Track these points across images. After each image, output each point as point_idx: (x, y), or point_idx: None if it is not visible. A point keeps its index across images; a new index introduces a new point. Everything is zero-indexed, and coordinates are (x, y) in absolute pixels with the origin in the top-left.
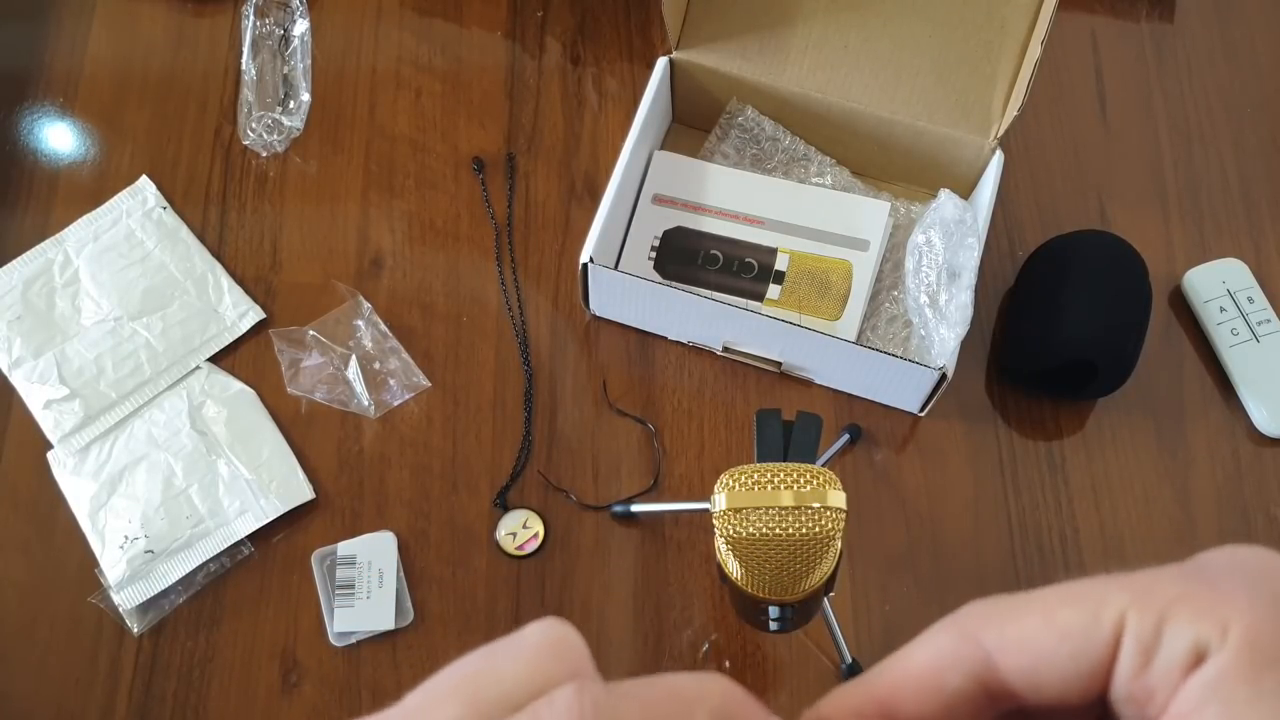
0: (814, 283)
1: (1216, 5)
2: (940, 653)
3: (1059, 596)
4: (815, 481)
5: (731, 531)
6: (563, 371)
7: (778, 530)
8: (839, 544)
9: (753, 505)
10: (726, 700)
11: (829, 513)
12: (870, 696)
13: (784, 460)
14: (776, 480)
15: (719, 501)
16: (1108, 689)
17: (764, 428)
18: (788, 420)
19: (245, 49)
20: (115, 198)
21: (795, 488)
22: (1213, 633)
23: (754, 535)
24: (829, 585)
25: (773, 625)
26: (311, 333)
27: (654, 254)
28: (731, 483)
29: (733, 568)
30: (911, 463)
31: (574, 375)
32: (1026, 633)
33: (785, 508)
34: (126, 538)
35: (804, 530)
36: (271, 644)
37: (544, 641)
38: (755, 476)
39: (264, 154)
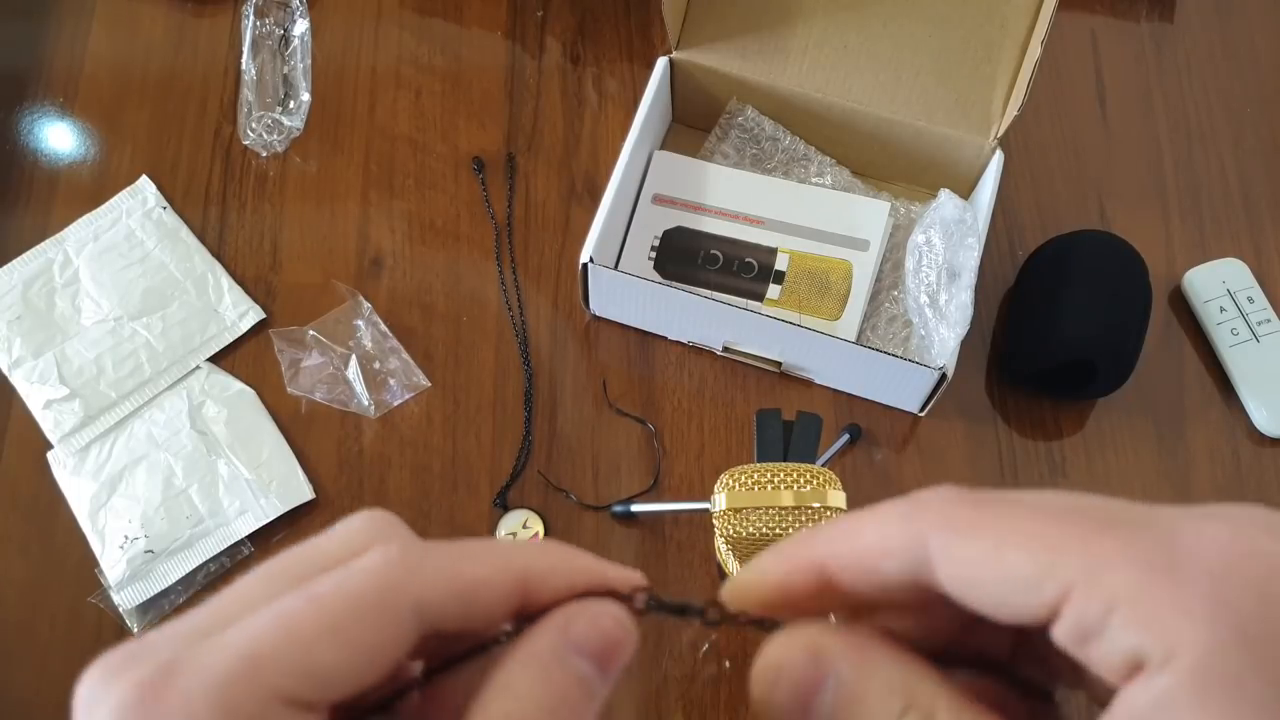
0: (814, 283)
1: (1216, 5)
2: (886, 538)
3: (1016, 528)
4: (815, 481)
5: (731, 531)
6: (563, 371)
7: (778, 530)
8: None
9: (753, 505)
10: (542, 555)
11: (829, 513)
12: (810, 558)
13: (784, 460)
14: (776, 480)
15: (719, 501)
16: (1036, 633)
17: (764, 428)
18: (788, 420)
19: (245, 49)
20: (115, 198)
21: (795, 488)
22: (1155, 649)
23: (754, 535)
24: None
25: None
26: (311, 333)
27: (654, 254)
28: (731, 483)
29: (733, 568)
30: (911, 463)
31: (574, 375)
32: (971, 555)
33: (785, 508)
34: (126, 538)
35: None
36: None
37: (361, 521)
38: (755, 476)
39: (264, 154)
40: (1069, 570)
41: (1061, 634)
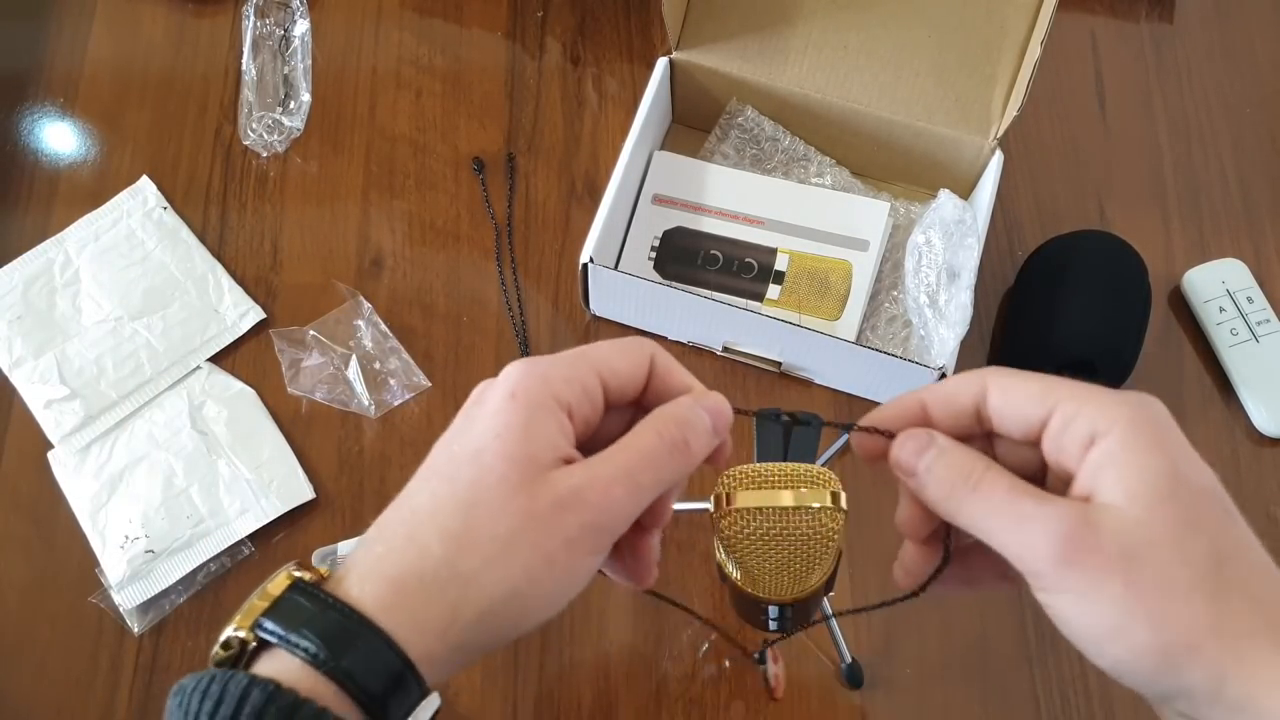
0: (814, 283)
1: (1216, 5)
2: (959, 383)
3: (1032, 379)
4: (815, 481)
5: (731, 531)
6: None
7: (777, 530)
8: (839, 543)
9: (753, 505)
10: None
11: (829, 512)
12: (914, 399)
13: (784, 460)
14: (776, 480)
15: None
16: (1040, 440)
17: (764, 428)
18: (788, 420)
19: (245, 49)
20: (116, 198)
21: (795, 487)
22: (1101, 426)
23: (754, 535)
24: (828, 585)
25: (772, 625)
26: (312, 333)
27: (654, 254)
28: (731, 482)
29: (732, 568)
30: None
31: None
32: (1010, 393)
33: (785, 508)
34: (127, 537)
35: (804, 530)
36: None
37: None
38: (755, 476)
39: (264, 154)
40: (1055, 397)
41: (1048, 434)
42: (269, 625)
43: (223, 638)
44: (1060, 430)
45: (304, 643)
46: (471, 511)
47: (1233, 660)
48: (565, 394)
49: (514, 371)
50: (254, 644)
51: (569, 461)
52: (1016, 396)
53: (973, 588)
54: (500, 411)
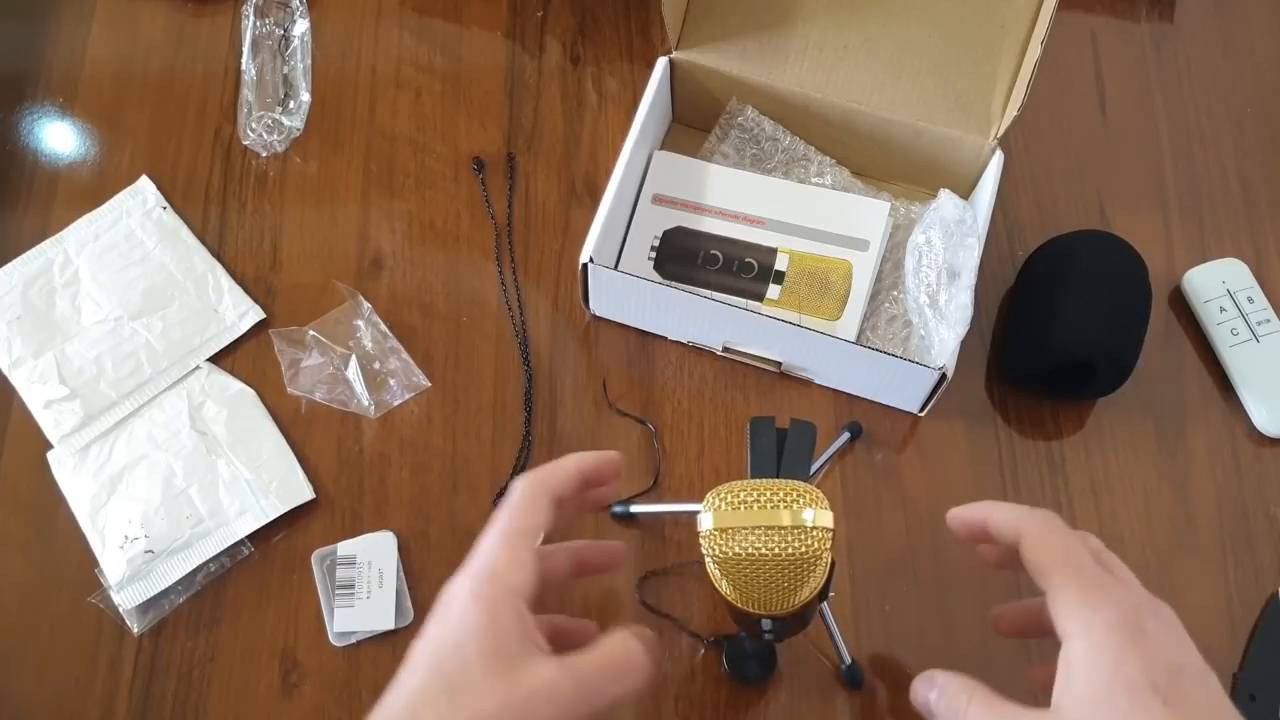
0: (814, 283)
1: (1216, 5)
2: (1012, 513)
3: (1050, 556)
4: (801, 501)
5: (718, 551)
6: (563, 371)
7: (764, 550)
8: (828, 558)
9: (739, 525)
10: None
11: (815, 532)
12: (980, 515)
13: (777, 470)
14: (763, 500)
15: (705, 521)
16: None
17: (757, 436)
18: (781, 428)
19: (245, 49)
20: (115, 198)
21: (781, 507)
22: (1068, 627)
23: (740, 555)
24: (823, 594)
25: (767, 635)
26: (311, 333)
27: (654, 254)
28: (718, 502)
29: (723, 585)
30: (911, 462)
31: (574, 375)
32: (1034, 549)
33: (771, 528)
34: (126, 538)
35: (790, 550)
36: (271, 644)
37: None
38: (741, 496)
39: (264, 154)
40: (1056, 580)
41: (1050, 612)
42: None
43: None
44: (1057, 621)
45: None
46: (460, 694)
47: None
48: (516, 581)
49: (468, 579)
50: None
51: (538, 645)
52: (1038, 557)
53: None
54: (470, 611)
